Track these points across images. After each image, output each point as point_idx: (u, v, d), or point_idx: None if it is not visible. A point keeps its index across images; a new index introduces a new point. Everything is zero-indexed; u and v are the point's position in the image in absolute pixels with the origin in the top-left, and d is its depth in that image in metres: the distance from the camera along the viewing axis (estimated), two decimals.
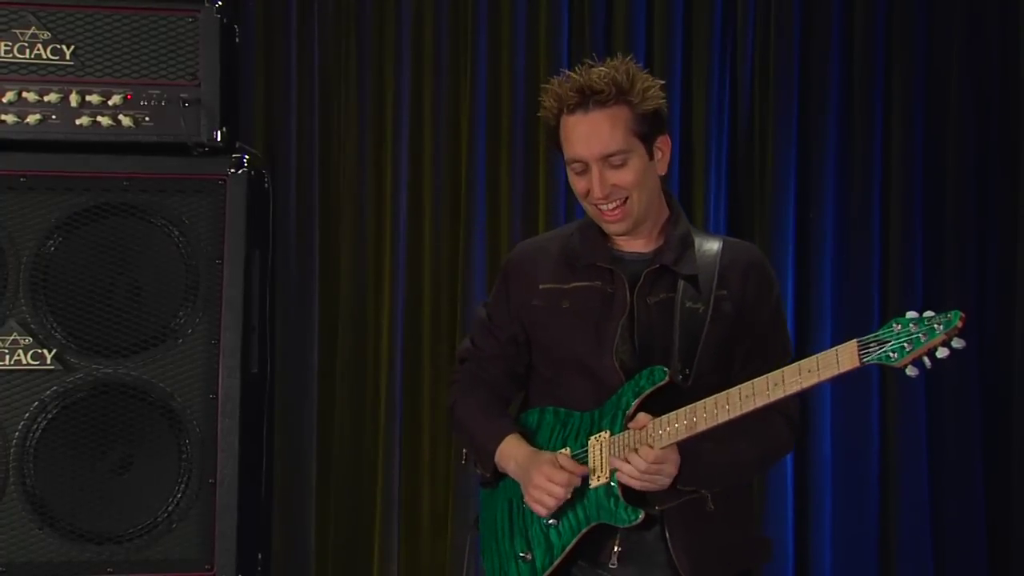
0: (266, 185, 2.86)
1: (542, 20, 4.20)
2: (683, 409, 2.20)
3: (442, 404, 4.14)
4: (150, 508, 2.71)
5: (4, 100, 2.70)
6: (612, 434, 2.27)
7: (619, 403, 2.28)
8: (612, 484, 2.25)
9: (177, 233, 2.74)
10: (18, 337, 2.68)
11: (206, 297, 2.73)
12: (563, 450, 2.32)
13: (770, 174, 4.25)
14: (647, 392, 2.25)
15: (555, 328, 2.38)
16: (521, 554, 2.35)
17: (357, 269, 4.18)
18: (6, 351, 2.67)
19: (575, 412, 2.35)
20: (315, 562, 4.11)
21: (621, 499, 2.24)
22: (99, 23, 2.73)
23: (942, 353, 2.02)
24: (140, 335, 2.72)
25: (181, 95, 2.73)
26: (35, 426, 2.68)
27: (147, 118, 2.73)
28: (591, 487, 2.28)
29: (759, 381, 2.13)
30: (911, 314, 2.04)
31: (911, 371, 2.02)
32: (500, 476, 2.42)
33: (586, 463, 2.29)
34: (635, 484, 2.22)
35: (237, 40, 2.87)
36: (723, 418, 2.15)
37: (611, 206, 2.31)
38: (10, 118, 2.70)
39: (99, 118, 2.72)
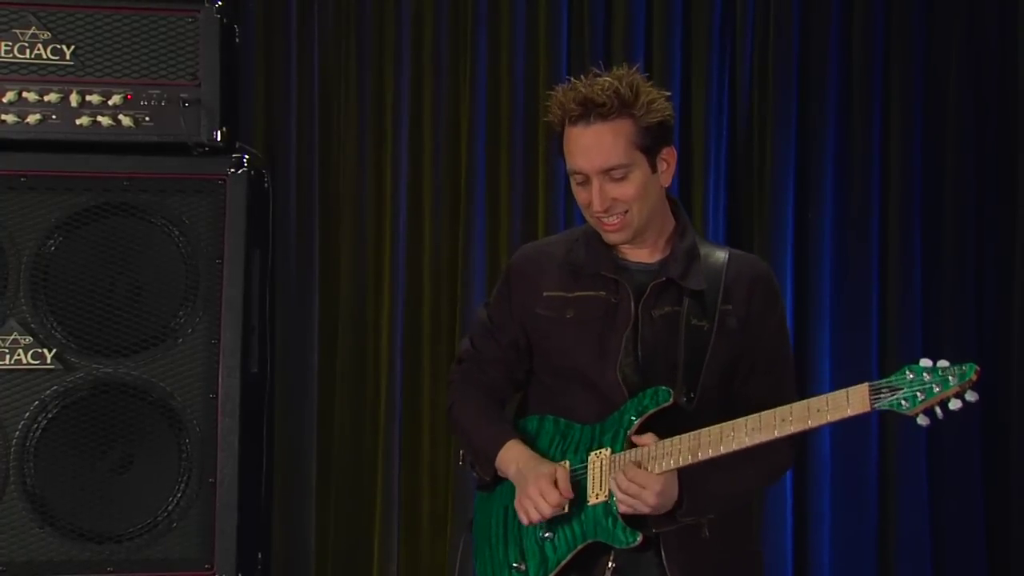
0: (266, 185, 2.87)
1: (541, 20, 4.20)
2: (686, 436, 2.18)
3: (442, 404, 4.12)
4: (150, 507, 2.72)
5: (4, 100, 2.71)
6: (613, 452, 2.25)
7: (621, 420, 2.26)
8: (611, 503, 2.23)
9: (177, 233, 2.75)
10: (18, 336, 2.68)
11: (206, 297, 2.74)
12: (563, 462, 2.30)
13: (769, 174, 4.25)
14: (650, 412, 2.23)
15: (558, 337, 2.36)
16: (514, 564, 2.33)
17: (357, 269, 4.18)
18: (6, 351, 2.68)
19: (575, 424, 2.33)
20: (315, 562, 4.11)
21: (620, 519, 2.22)
22: (99, 23, 2.74)
23: (955, 405, 2.00)
24: (140, 335, 2.73)
25: (181, 95, 2.74)
26: (35, 425, 2.69)
27: (147, 118, 2.74)
28: (589, 504, 2.26)
29: (766, 415, 2.12)
30: (925, 362, 2.03)
31: (922, 420, 2.02)
32: (498, 480, 2.40)
33: (585, 478, 2.27)
34: (620, 506, 2.21)
35: (237, 40, 2.87)
36: (726, 450, 2.14)
37: (611, 218, 2.29)
38: (10, 118, 2.71)
39: (99, 118, 2.73)
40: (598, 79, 2.27)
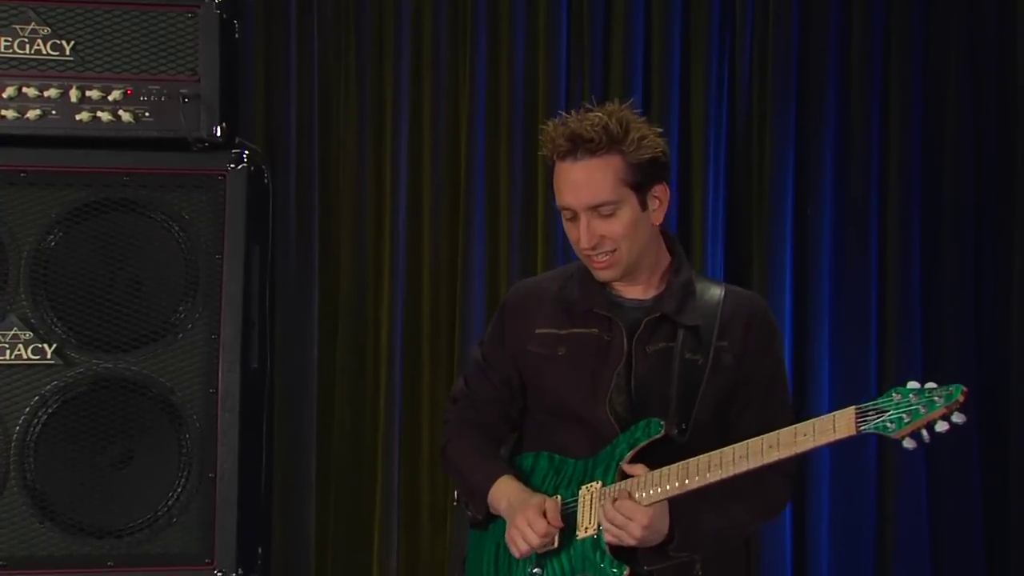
0: (266, 181, 2.87)
1: (541, 17, 4.20)
2: (675, 466, 2.16)
3: (441, 399, 4.15)
4: (150, 502, 2.73)
5: (4, 95, 2.71)
6: (604, 485, 2.24)
7: (613, 453, 2.25)
8: (599, 536, 2.21)
9: (177, 228, 2.75)
10: (19, 332, 2.69)
11: (206, 292, 2.74)
12: (555, 497, 2.29)
13: (768, 170, 4.25)
14: (642, 444, 2.22)
15: (550, 375, 2.34)
16: None
17: (357, 265, 4.18)
18: (7, 346, 2.68)
19: (569, 460, 2.32)
20: (315, 556, 4.11)
21: (607, 553, 2.19)
22: (99, 19, 2.74)
23: (941, 427, 1.98)
24: (140, 330, 2.73)
25: (181, 91, 2.74)
26: (36, 420, 2.69)
27: (147, 114, 2.74)
28: (578, 538, 2.24)
29: (753, 442, 2.10)
30: (912, 384, 2.00)
31: (908, 443, 1.99)
32: (491, 518, 2.38)
33: (576, 511, 2.26)
34: (606, 536, 2.19)
35: (237, 36, 2.87)
36: (714, 478, 2.12)
37: (601, 256, 2.26)
38: (10, 113, 2.71)
39: (99, 113, 2.73)
40: (588, 114, 2.24)
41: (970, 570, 4.21)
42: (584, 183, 2.22)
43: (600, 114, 2.23)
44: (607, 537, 2.19)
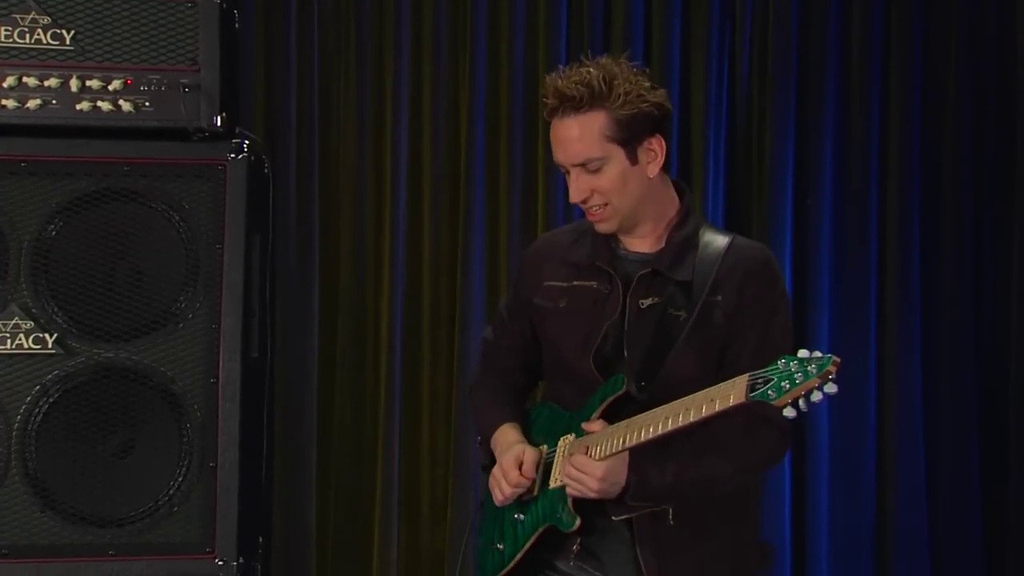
0: (266, 170, 2.87)
1: (541, 7, 4.20)
2: (623, 423, 2.18)
3: (441, 390, 4.17)
4: (151, 491, 2.73)
5: (4, 85, 2.71)
6: (576, 437, 2.28)
7: (590, 407, 2.27)
8: (565, 488, 2.25)
9: (177, 218, 2.75)
10: (20, 321, 2.69)
11: (206, 282, 2.74)
12: (541, 448, 2.34)
13: (768, 162, 4.25)
14: (608, 400, 2.24)
15: (552, 327, 2.37)
16: (498, 545, 2.38)
17: (357, 255, 4.18)
18: (8, 335, 2.68)
19: (563, 411, 2.36)
20: (315, 546, 4.12)
21: (567, 503, 2.23)
22: (99, 8, 2.74)
23: (816, 397, 1.95)
24: (141, 319, 2.73)
25: (181, 80, 2.74)
26: (37, 410, 2.70)
27: (147, 103, 2.74)
28: (550, 488, 2.29)
29: (677, 404, 2.10)
30: (802, 353, 1.99)
31: (788, 412, 1.97)
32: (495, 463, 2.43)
33: (554, 462, 2.31)
34: (568, 489, 2.23)
35: (237, 25, 2.87)
36: (647, 437, 2.12)
37: (594, 209, 2.28)
38: (11, 103, 2.71)
39: (99, 103, 2.73)
40: (577, 70, 2.23)
41: (969, 566, 4.22)
42: (569, 140, 2.23)
43: (588, 69, 2.23)
44: (568, 490, 2.23)
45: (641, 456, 2.19)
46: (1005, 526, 4.21)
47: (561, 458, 2.28)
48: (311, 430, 4.13)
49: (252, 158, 2.78)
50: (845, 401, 4.21)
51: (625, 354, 2.27)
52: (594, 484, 2.19)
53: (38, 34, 2.72)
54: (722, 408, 2.04)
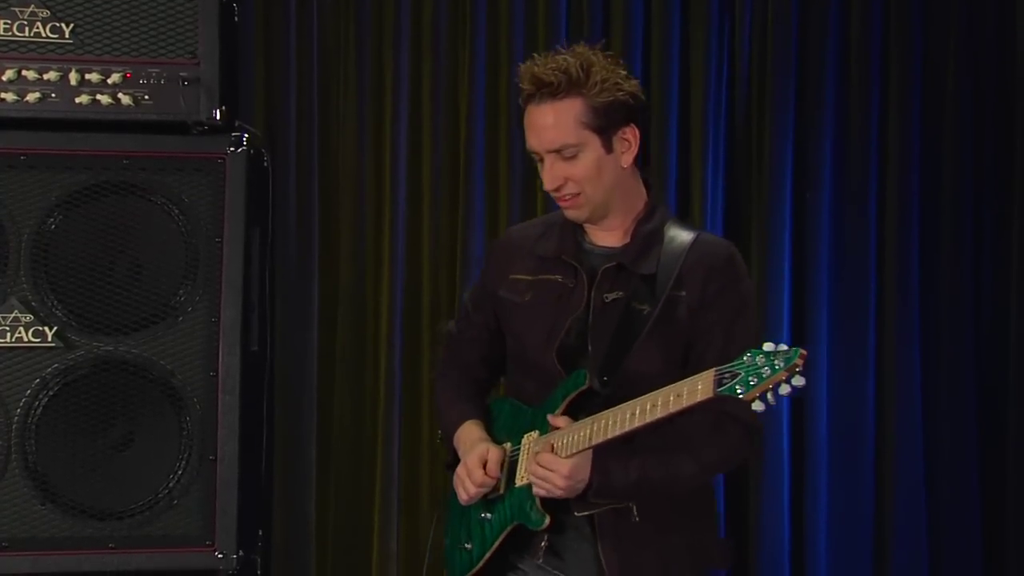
0: (265, 164, 2.88)
1: (540, 4, 4.20)
2: (588, 419, 2.17)
3: None
4: (151, 484, 2.74)
5: (4, 78, 2.71)
6: (540, 434, 2.26)
7: (552, 403, 2.26)
8: (532, 485, 2.23)
9: (177, 211, 2.76)
10: (19, 315, 2.69)
11: (206, 275, 2.75)
12: (504, 445, 2.32)
13: (768, 157, 4.25)
14: (571, 396, 2.22)
15: (516, 320, 2.36)
16: (466, 544, 2.36)
17: (356, 249, 4.18)
18: (7, 328, 2.69)
19: (525, 407, 2.34)
20: (315, 540, 4.12)
21: (535, 501, 2.22)
22: (98, 1, 2.74)
23: (784, 390, 1.93)
24: (141, 313, 2.74)
25: (180, 74, 2.74)
26: (37, 403, 2.70)
27: (147, 96, 2.74)
28: (516, 486, 2.28)
29: (644, 399, 2.08)
30: (768, 346, 1.97)
31: (757, 406, 1.95)
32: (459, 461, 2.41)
33: (518, 460, 2.29)
34: (535, 488, 2.21)
35: (236, 19, 2.87)
36: (613, 433, 2.11)
37: (566, 196, 2.27)
38: (10, 96, 2.71)
39: (99, 96, 2.73)
40: (554, 57, 2.24)
41: (968, 562, 4.22)
42: (545, 126, 2.23)
43: (565, 57, 2.23)
44: (535, 490, 2.21)
45: (605, 452, 2.18)
46: (1004, 522, 4.21)
47: (526, 456, 2.27)
48: (311, 424, 4.14)
49: (251, 151, 2.79)
50: (844, 398, 4.21)
51: (588, 348, 2.26)
52: (561, 482, 2.17)
53: (37, 27, 2.73)
54: (689, 403, 2.03)
